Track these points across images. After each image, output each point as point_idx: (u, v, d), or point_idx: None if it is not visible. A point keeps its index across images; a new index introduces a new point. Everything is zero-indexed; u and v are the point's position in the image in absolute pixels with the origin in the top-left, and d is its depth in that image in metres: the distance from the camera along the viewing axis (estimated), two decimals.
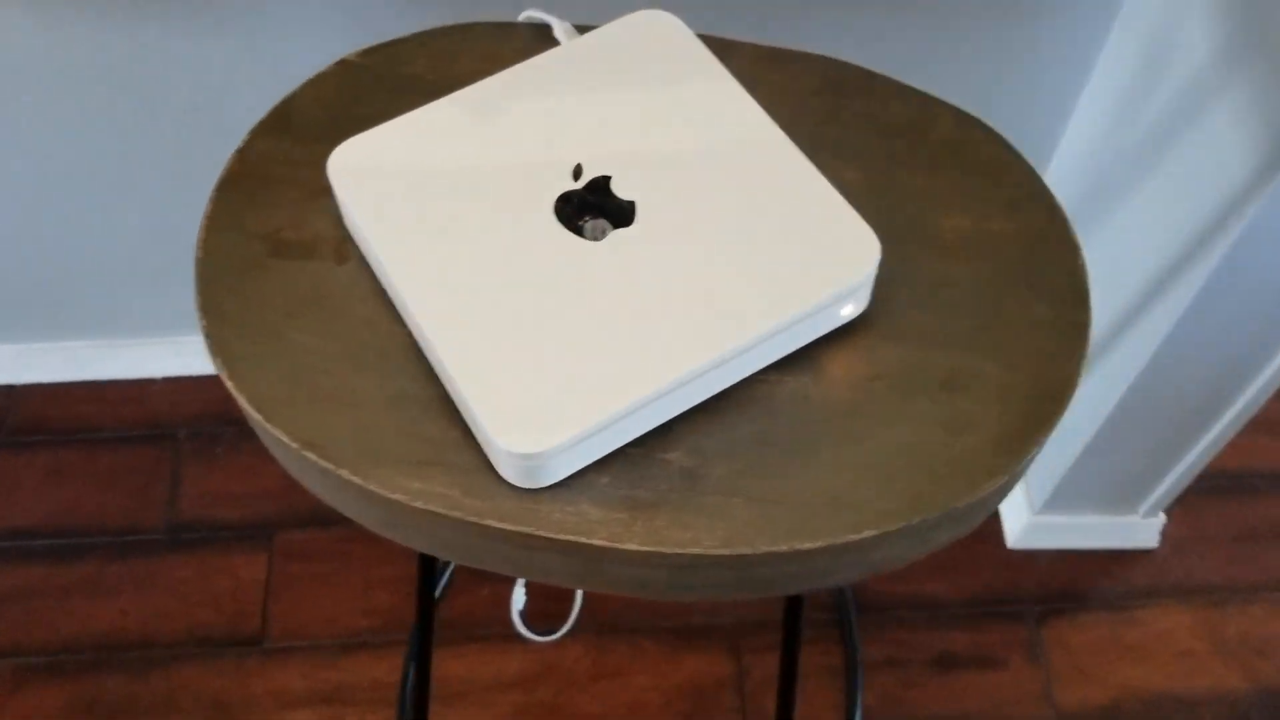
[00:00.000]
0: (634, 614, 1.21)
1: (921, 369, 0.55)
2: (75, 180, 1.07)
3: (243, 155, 0.60)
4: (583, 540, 0.50)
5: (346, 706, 1.15)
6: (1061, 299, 0.57)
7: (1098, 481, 1.12)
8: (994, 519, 1.25)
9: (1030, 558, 1.23)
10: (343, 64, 0.64)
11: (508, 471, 0.51)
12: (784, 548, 0.50)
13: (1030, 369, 0.55)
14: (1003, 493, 0.54)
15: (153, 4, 0.90)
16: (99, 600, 1.21)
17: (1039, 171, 1.07)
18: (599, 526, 0.50)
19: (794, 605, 0.73)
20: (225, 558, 1.24)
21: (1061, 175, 1.07)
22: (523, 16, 0.65)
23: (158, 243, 1.15)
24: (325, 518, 1.26)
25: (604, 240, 0.54)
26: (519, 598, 1.20)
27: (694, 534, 0.50)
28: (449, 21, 0.65)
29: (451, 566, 1.21)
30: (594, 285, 0.53)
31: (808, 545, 0.50)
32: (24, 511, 1.26)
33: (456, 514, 0.50)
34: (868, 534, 0.50)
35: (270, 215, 0.58)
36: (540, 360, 0.51)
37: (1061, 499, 1.15)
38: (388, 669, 1.17)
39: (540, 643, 1.20)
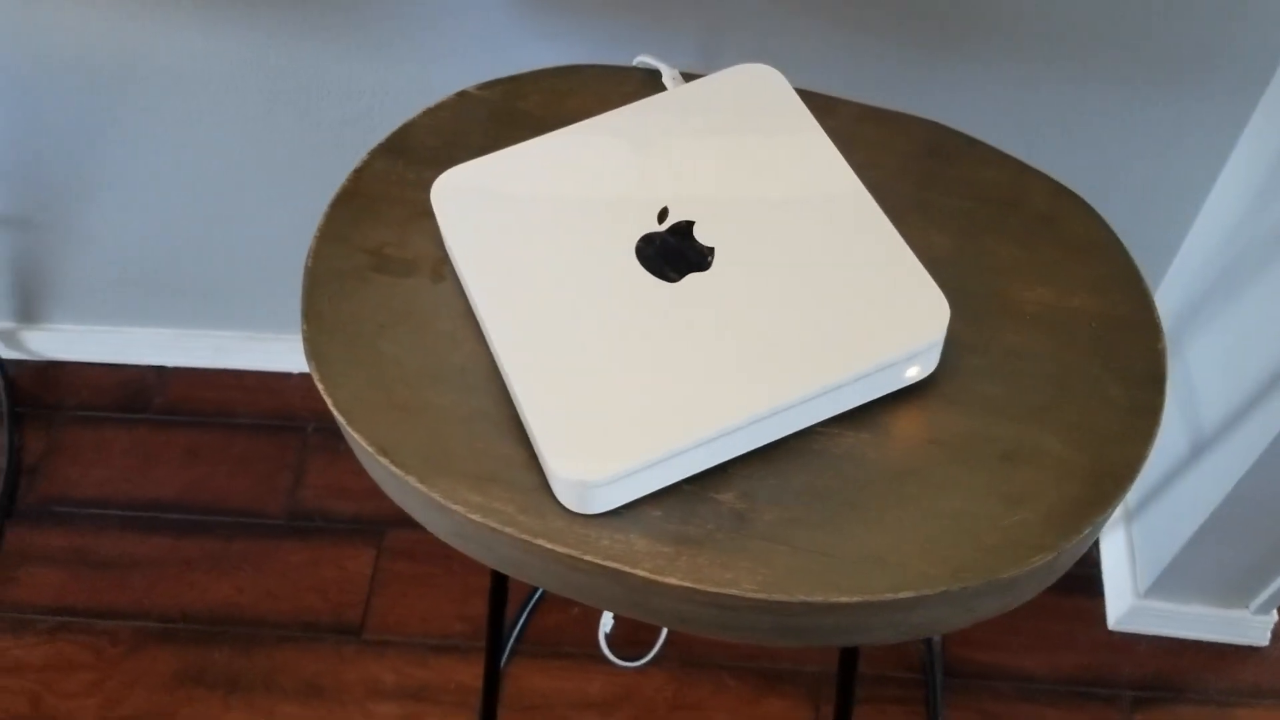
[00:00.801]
0: (720, 650, 1.22)
1: (983, 438, 0.55)
2: (232, 182, 1.15)
3: (359, 173, 0.65)
4: (626, 569, 0.52)
5: (429, 705, 1.19)
6: (1137, 381, 0.56)
7: (1207, 571, 1.08)
8: (1096, 598, 1.22)
9: (1131, 641, 1.19)
10: (462, 95, 0.68)
11: (563, 495, 0.53)
12: (819, 599, 0.51)
13: (1095, 449, 0.54)
14: (1052, 570, 0.53)
15: (312, 24, 0.96)
16: (217, 575, 1.28)
17: (1169, 251, 1.05)
18: (644, 558, 0.52)
19: (848, 658, 0.73)
20: (336, 548, 1.30)
21: (1191, 258, 1.04)
22: (635, 61, 0.68)
23: (303, 246, 1.22)
24: None
25: (680, 283, 0.56)
26: (607, 621, 1.22)
27: (734, 575, 0.52)
28: (598, 60, 0.69)
29: None
30: (665, 325, 0.55)
31: (844, 599, 0.51)
32: (160, 485, 1.35)
33: (510, 530, 0.53)
34: (905, 595, 0.51)
35: (377, 232, 0.62)
36: (605, 392, 0.53)
37: (1168, 585, 1.11)
38: (473, 674, 1.21)
39: (624, 668, 1.21)
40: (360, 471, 1.34)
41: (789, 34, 0.90)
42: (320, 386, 0.57)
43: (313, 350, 0.58)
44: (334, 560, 1.29)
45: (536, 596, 1.25)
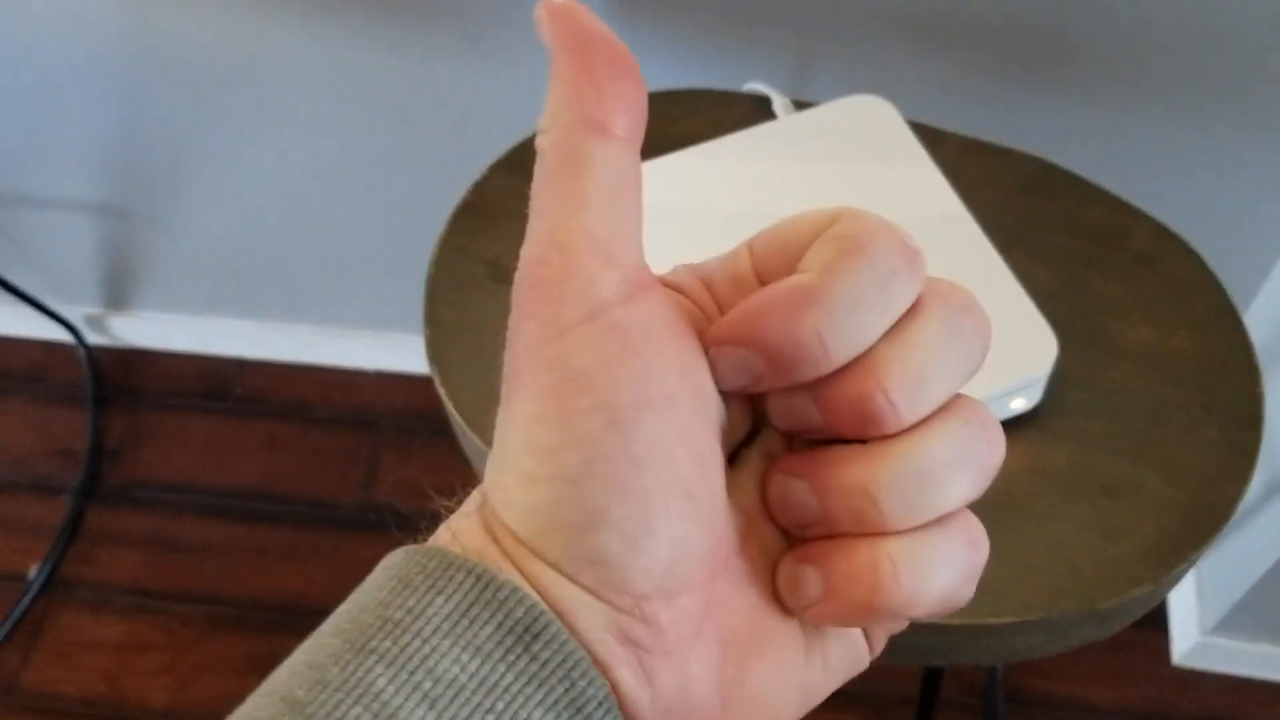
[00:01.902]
0: None
1: (1084, 471, 0.56)
2: (325, 181, 1.18)
3: (479, 187, 0.67)
4: None
5: None
6: (1234, 422, 0.57)
7: (1277, 611, 1.08)
8: (1161, 633, 1.22)
9: (1194, 678, 1.19)
10: None
11: None
12: (924, 621, 0.52)
13: (1192, 486, 0.56)
14: (1147, 602, 0.55)
15: (417, 30, 0.99)
16: (289, 564, 1.31)
17: (1253, 286, 1.05)
18: None
19: (931, 677, 0.75)
20: (405, 545, 1.32)
21: (1275, 294, 1.05)
22: (745, 88, 0.70)
23: (387, 247, 1.26)
24: None
25: None
26: None
27: None
28: (699, 85, 0.71)
29: None
30: None
31: (946, 621, 0.53)
32: (237, 474, 1.38)
33: None
34: (1005, 620, 0.52)
35: (496, 243, 0.65)
36: None
37: (1236, 623, 1.12)
38: None
39: None
40: (432, 470, 1.37)
41: (886, 63, 0.92)
42: (441, 390, 0.59)
43: (434, 355, 0.61)
44: None
45: None
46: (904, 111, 0.67)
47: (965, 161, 0.67)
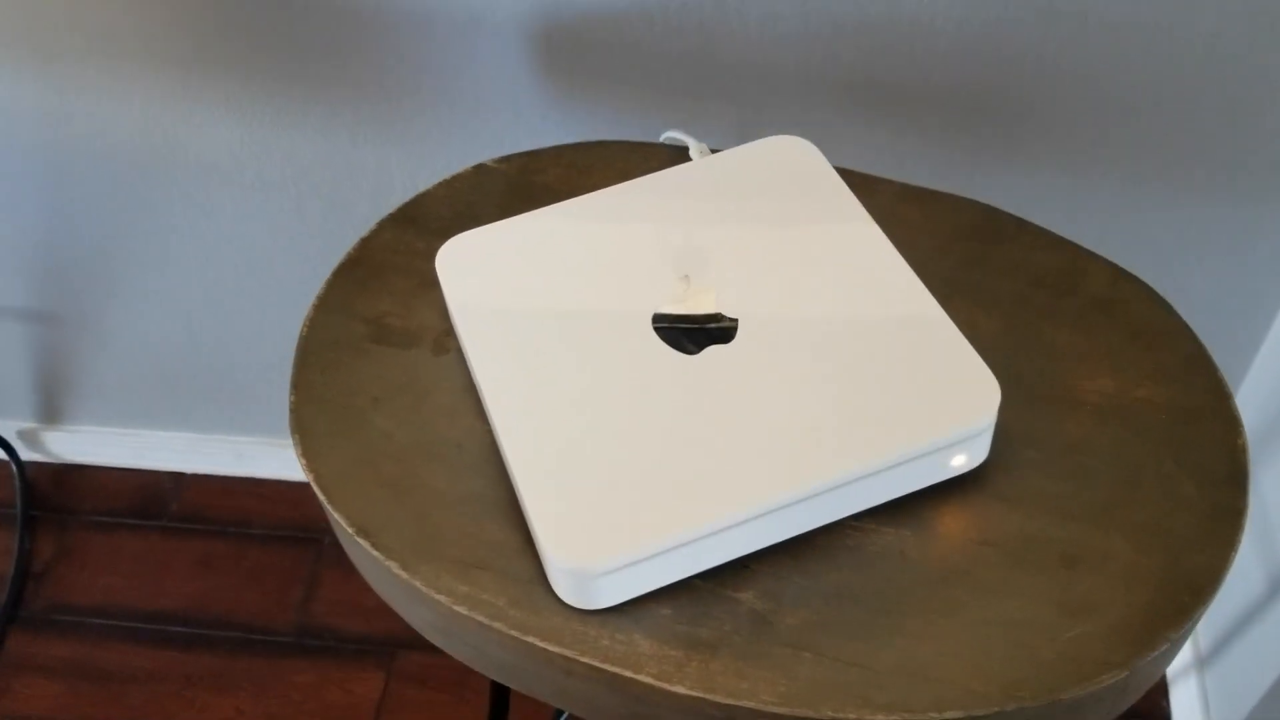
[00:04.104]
0: None
1: (1040, 539, 0.49)
2: (258, 278, 1.12)
3: (366, 242, 0.61)
4: (627, 674, 0.45)
5: None
6: (1214, 480, 0.50)
7: None
8: None
9: None
10: (479, 168, 0.64)
11: (560, 586, 0.47)
12: (852, 717, 0.44)
13: (1168, 554, 0.48)
14: (1124, 693, 0.46)
15: (345, 117, 0.94)
16: (218, 694, 1.21)
17: (1240, 369, 0.98)
18: (648, 661, 0.46)
19: None
20: (344, 670, 1.22)
21: (1265, 376, 0.98)
22: (663, 138, 0.64)
23: None
24: None
25: (699, 356, 0.51)
26: None
27: (751, 685, 0.45)
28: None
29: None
30: (682, 403, 0.49)
31: (880, 718, 0.44)
32: (168, 595, 1.29)
33: (498, 625, 0.47)
34: (951, 715, 0.44)
35: (380, 301, 0.58)
36: (611, 472, 0.47)
37: None
38: None
39: None
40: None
41: (831, 124, 0.87)
42: (302, 461, 0.52)
43: (297, 422, 0.53)
44: (340, 683, 1.22)
45: None
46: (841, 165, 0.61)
47: (900, 210, 0.61)
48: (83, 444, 1.38)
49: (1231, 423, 0.51)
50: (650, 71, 0.85)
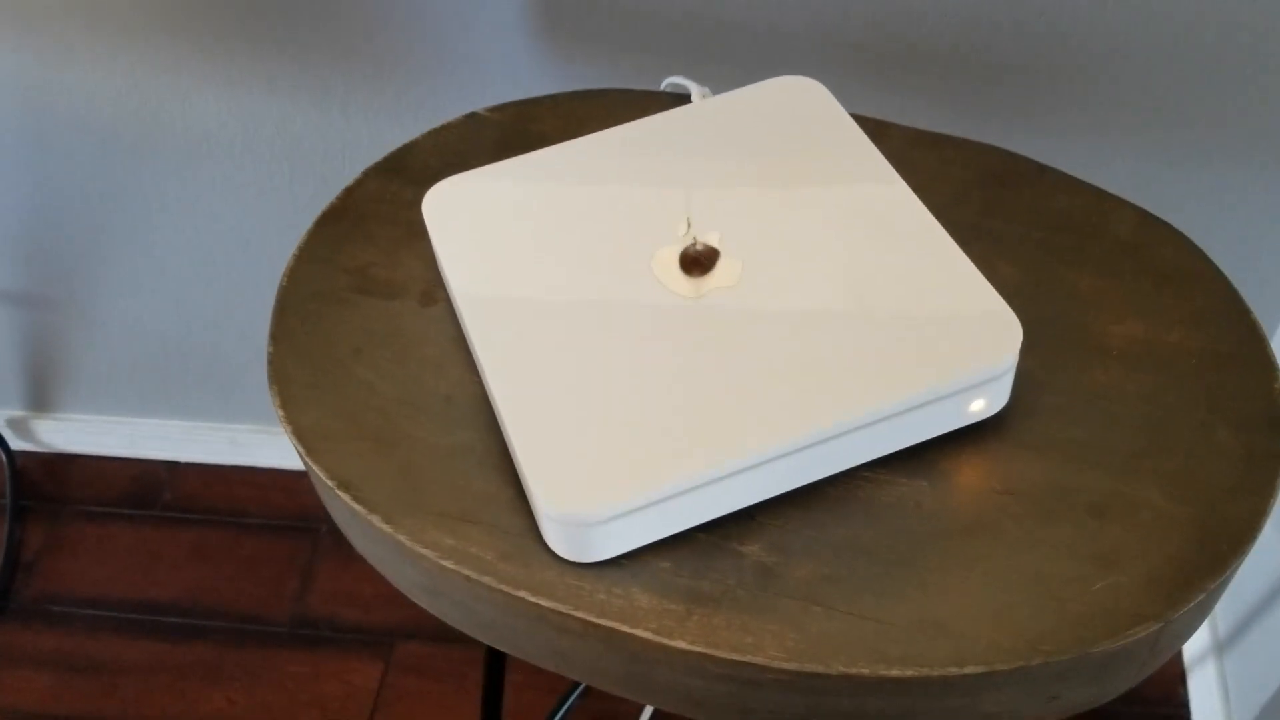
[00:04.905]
0: None
1: (1065, 488, 0.45)
2: (251, 257, 1.10)
3: (350, 192, 0.58)
4: (625, 629, 0.42)
5: None
6: (1251, 425, 0.46)
7: None
8: None
9: None
10: (471, 117, 0.61)
11: (553, 538, 0.44)
12: (865, 671, 0.41)
13: (1203, 502, 0.45)
14: (1156, 648, 0.43)
15: (337, 87, 0.92)
16: (211, 686, 1.18)
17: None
18: (647, 616, 0.43)
19: None
20: (341, 661, 1.19)
21: None
22: (664, 85, 0.62)
23: None
24: (449, 633, 1.21)
25: (702, 299, 0.48)
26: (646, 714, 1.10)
27: (756, 640, 0.42)
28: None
29: (580, 688, 1.12)
30: (684, 346, 0.46)
31: (896, 673, 0.41)
32: (161, 586, 1.26)
33: (487, 579, 0.44)
34: (973, 670, 0.41)
35: (364, 252, 0.55)
36: (608, 420, 0.44)
37: None
38: None
39: None
40: (373, 578, 1.25)
41: (841, 87, 0.84)
42: (280, 413, 0.49)
43: (276, 373, 0.50)
44: (338, 674, 1.19)
45: (568, 706, 1.13)
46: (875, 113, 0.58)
47: (913, 156, 0.58)
48: (75, 432, 1.35)
49: (1268, 367, 0.48)
50: (658, 27, 0.82)
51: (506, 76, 0.88)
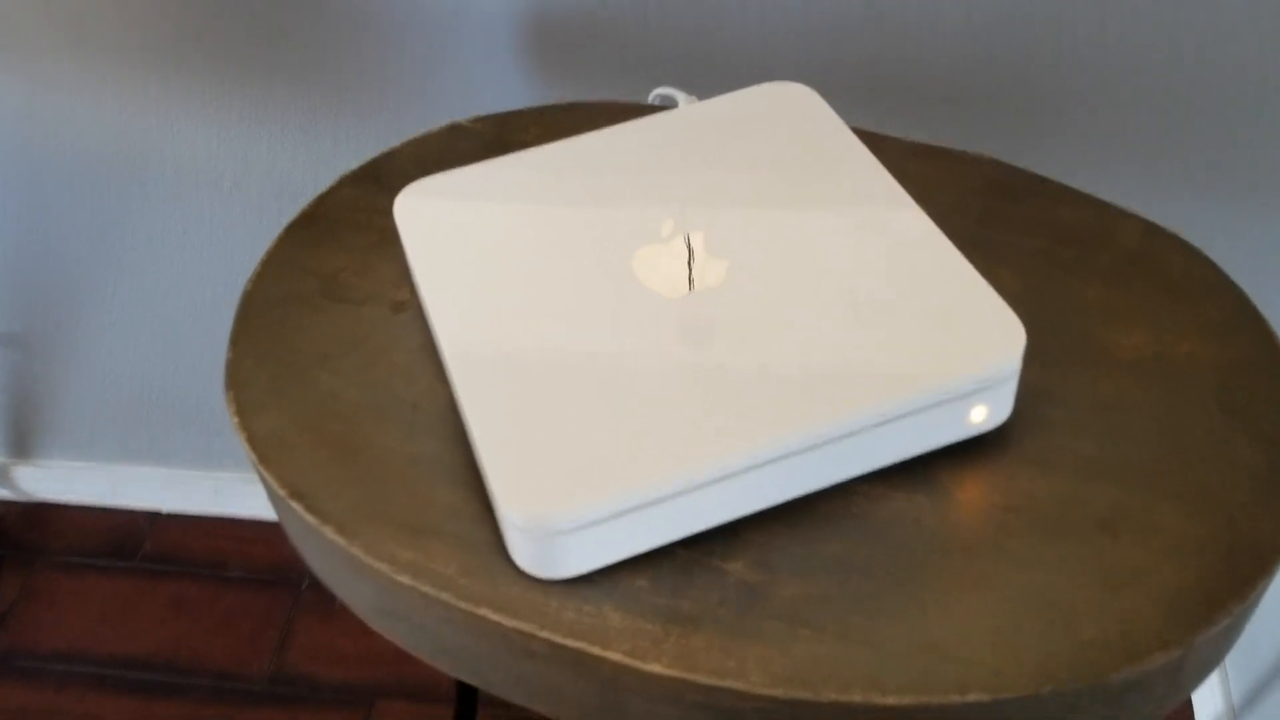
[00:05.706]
0: None
1: (1075, 504, 0.42)
2: (238, 293, 1.07)
3: (324, 199, 0.55)
4: (595, 651, 0.39)
5: None
6: (1272, 437, 0.43)
7: None
8: None
9: None
10: (453, 127, 0.59)
11: (519, 552, 0.41)
12: (858, 699, 0.37)
13: (1223, 518, 0.41)
14: (1177, 678, 0.39)
15: (326, 119, 0.90)
16: None
17: None
18: (619, 637, 0.39)
19: None
20: (320, 719, 1.14)
21: None
22: (652, 96, 0.59)
23: None
24: (431, 692, 1.16)
25: (684, 302, 0.45)
26: None
27: (739, 664, 0.38)
28: None
29: None
30: (663, 350, 0.43)
31: (892, 701, 0.37)
32: (137, 640, 1.22)
33: (445, 596, 0.40)
34: (976, 698, 0.37)
35: (335, 258, 0.53)
36: (580, 426, 0.41)
37: None
38: None
39: None
40: (354, 633, 1.20)
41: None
42: (235, 420, 0.46)
43: (233, 377, 0.47)
44: None
45: None
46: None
47: (910, 167, 0.55)
48: (55, 480, 1.31)
49: None
50: (648, 48, 0.81)
51: (499, 104, 0.86)
